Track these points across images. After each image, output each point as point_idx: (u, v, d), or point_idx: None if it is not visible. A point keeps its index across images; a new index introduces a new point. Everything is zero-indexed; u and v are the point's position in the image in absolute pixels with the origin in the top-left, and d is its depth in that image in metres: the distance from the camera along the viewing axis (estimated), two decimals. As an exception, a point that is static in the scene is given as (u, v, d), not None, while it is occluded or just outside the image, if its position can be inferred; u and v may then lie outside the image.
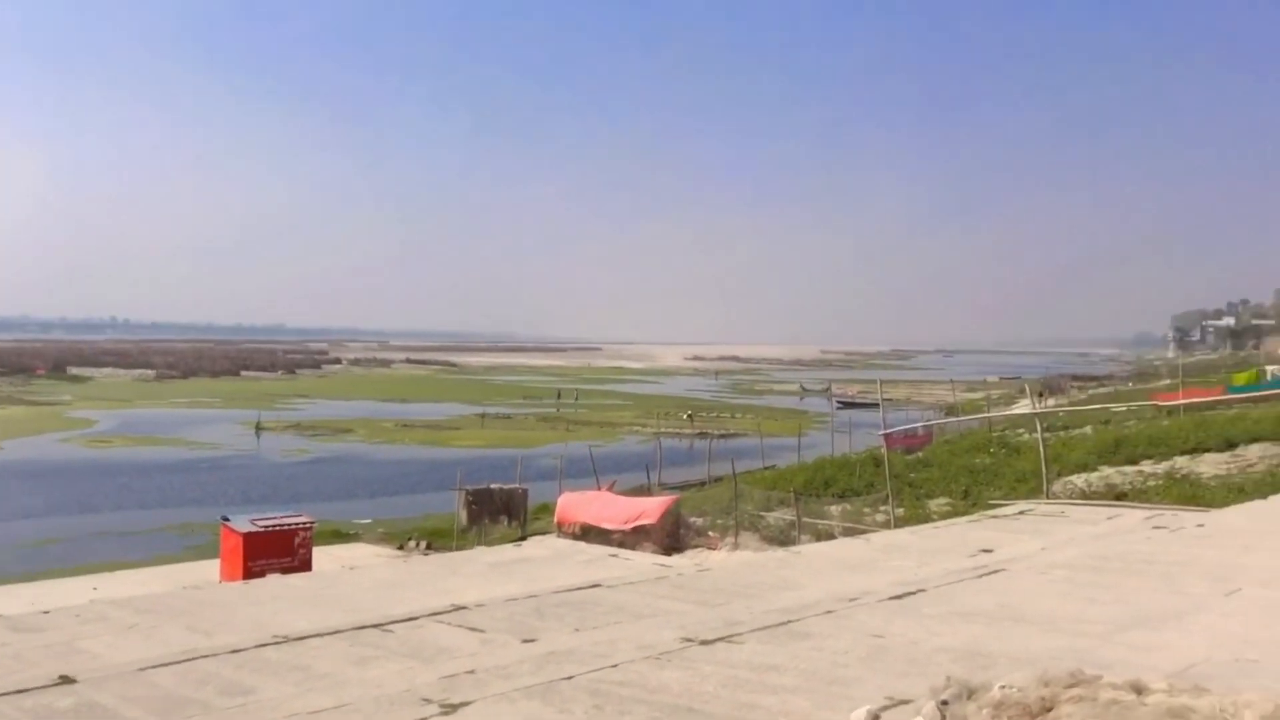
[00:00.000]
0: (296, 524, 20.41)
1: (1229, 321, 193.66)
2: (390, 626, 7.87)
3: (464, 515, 26.39)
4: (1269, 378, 37.71)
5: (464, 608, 8.69)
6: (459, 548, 23.57)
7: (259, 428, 60.70)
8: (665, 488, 30.99)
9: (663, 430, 52.50)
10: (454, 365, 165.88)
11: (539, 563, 17.49)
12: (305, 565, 19.49)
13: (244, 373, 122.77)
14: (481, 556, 19.35)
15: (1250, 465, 21.15)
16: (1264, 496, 16.23)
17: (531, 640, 7.27)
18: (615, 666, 6.20)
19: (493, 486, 27.66)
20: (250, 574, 18.31)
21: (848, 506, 22.87)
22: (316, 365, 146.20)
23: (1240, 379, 40.75)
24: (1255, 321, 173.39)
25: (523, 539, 23.69)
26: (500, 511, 26.74)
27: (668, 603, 8.97)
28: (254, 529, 19.61)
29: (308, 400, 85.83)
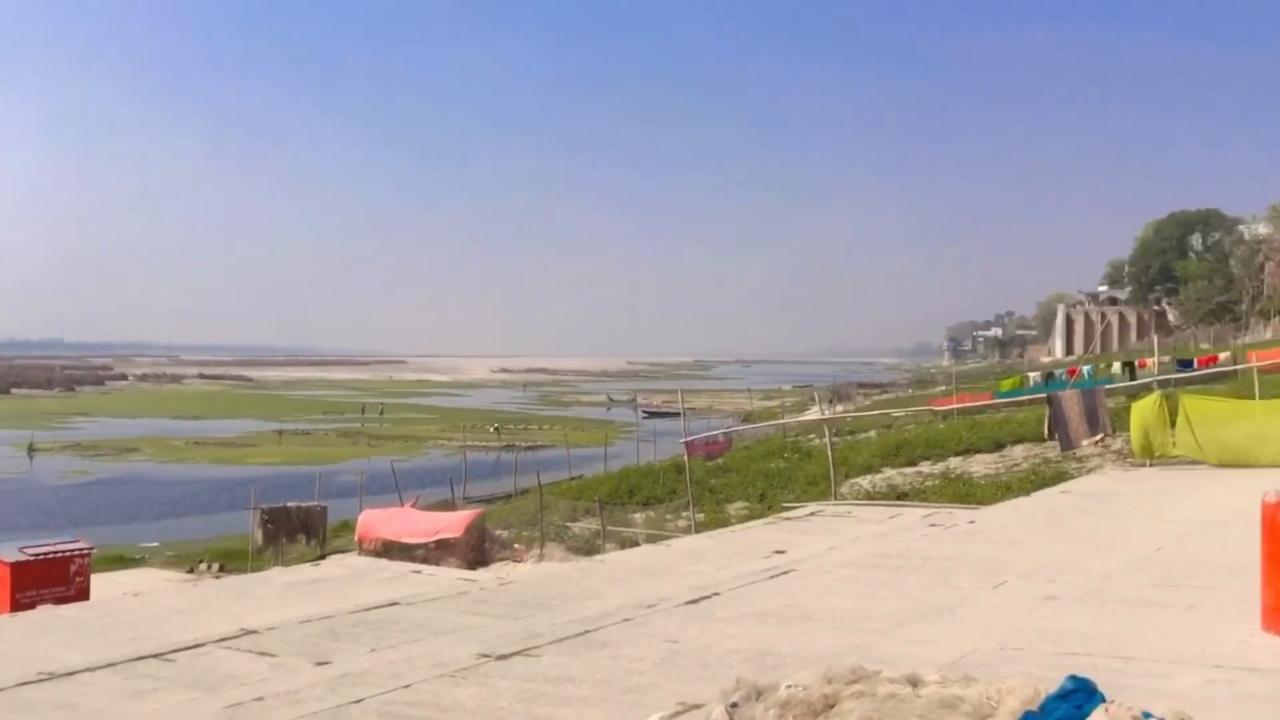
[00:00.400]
0: (72, 550, 19.00)
1: (996, 332, 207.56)
2: (172, 655, 7.48)
3: (259, 535, 25.33)
4: (1031, 383, 40.64)
5: (255, 631, 8.36)
6: (254, 569, 22.60)
7: (31, 449, 56.44)
8: (470, 501, 30.64)
9: (469, 443, 51.95)
10: (250, 380, 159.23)
11: (337, 582, 16.98)
12: (83, 594, 18.17)
13: (15, 390, 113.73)
14: (277, 577, 18.62)
15: (1015, 464, 22.68)
16: (1027, 493, 17.34)
17: (325, 663, 7.07)
18: (408, 687, 6.11)
19: (290, 505, 26.66)
20: (19, 606, 16.91)
21: (651, 514, 23.24)
22: (99, 382, 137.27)
23: (1006, 385, 43.64)
24: (1019, 332, 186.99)
25: (321, 558, 22.93)
26: (298, 530, 25.82)
27: (468, 618, 8.90)
28: (22, 558, 18.12)
29: (89, 419, 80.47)
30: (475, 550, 21.34)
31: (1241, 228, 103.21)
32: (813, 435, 33.54)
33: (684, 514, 21.57)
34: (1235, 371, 29.34)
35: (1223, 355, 39.31)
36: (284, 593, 14.97)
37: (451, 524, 21.72)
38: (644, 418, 68.36)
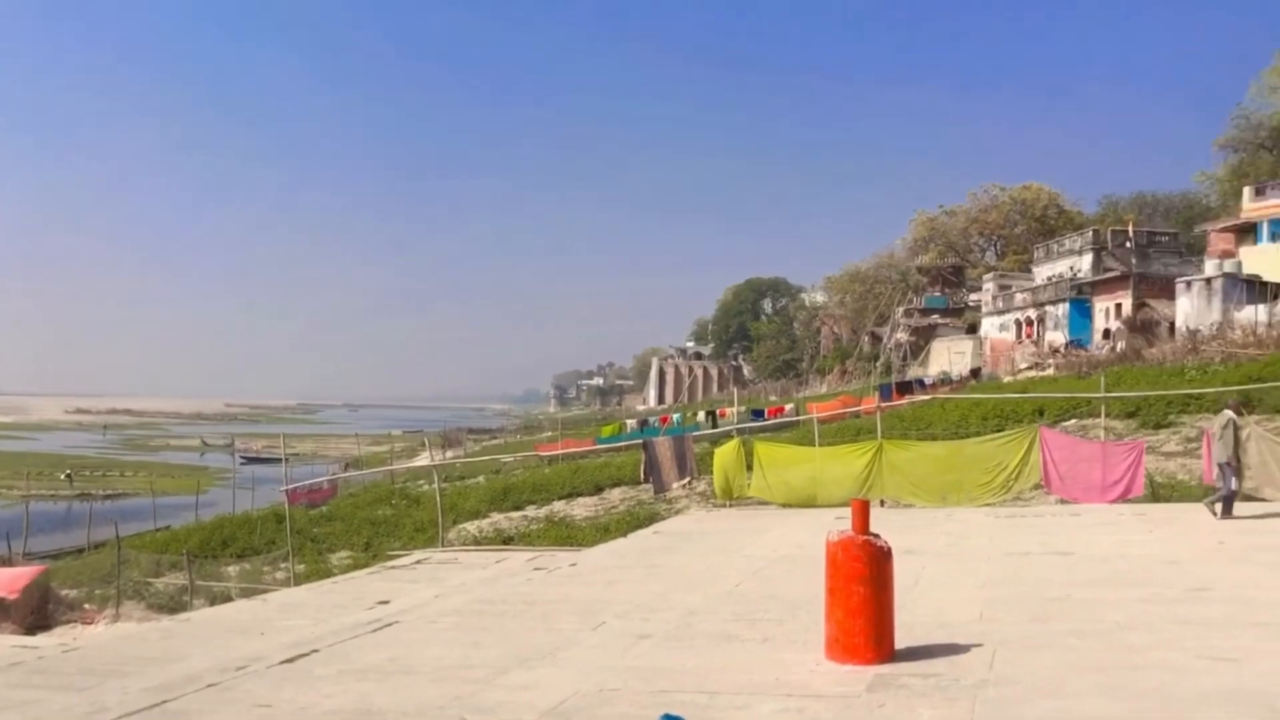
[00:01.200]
0: None
1: (599, 381, 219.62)
2: None
3: None
4: (629, 430, 42.91)
5: None
6: None
7: None
8: (33, 558, 27.44)
9: (34, 492, 46.22)
10: None
11: None
12: None
13: None
14: None
15: (614, 506, 23.87)
16: (624, 534, 18.23)
17: None
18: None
19: None
20: None
21: (247, 566, 21.97)
22: None
23: (606, 431, 45.76)
24: (618, 381, 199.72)
25: None
26: None
27: (21, 692, 7.84)
28: None
29: None
30: (36, 613, 19.05)
31: (804, 295, 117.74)
32: (422, 481, 33.28)
33: (283, 565, 20.57)
34: (799, 421, 32.72)
35: (788, 407, 43.77)
36: None
37: (5, 584, 19.20)
38: (242, 463, 64.33)
